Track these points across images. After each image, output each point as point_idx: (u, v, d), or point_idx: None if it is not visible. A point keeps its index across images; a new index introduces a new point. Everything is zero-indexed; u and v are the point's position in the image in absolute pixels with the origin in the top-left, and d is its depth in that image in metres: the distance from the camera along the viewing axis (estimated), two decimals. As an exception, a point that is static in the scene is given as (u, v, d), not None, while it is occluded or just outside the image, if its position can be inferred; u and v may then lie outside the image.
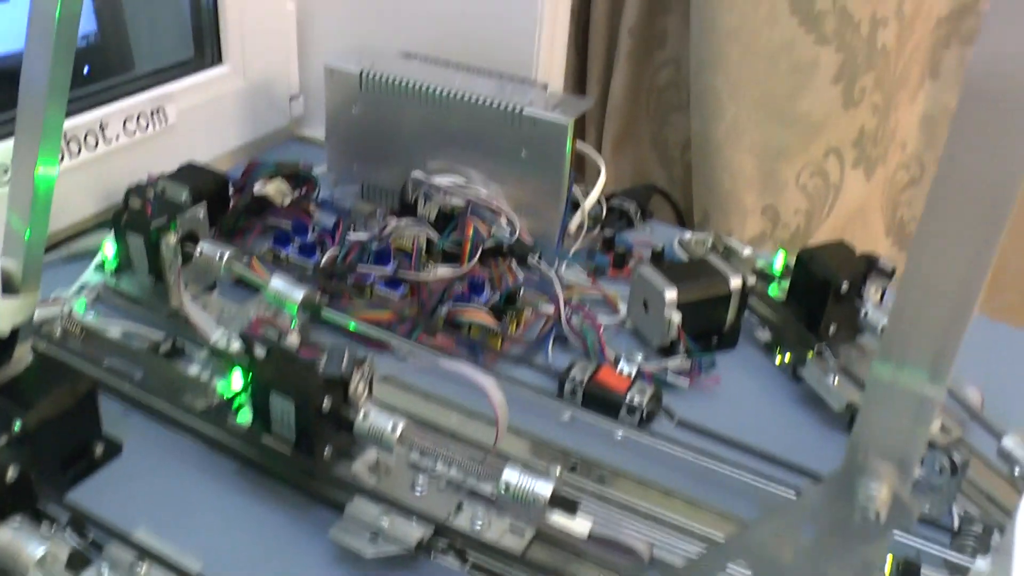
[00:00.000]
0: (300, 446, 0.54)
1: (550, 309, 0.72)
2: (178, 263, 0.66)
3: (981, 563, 0.50)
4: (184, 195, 0.74)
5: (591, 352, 0.69)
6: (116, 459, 0.57)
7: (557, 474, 0.53)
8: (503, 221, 0.79)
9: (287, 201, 0.81)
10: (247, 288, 0.69)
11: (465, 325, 0.69)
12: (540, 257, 0.76)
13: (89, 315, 0.67)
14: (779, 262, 0.79)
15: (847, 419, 0.64)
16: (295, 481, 0.55)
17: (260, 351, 0.56)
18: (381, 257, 0.73)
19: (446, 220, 0.78)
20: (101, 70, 0.84)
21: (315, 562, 0.52)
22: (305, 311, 0.65)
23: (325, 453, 0.53)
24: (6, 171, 0.61)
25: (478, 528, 0.52)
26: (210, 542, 0.51)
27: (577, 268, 0.79)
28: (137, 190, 0.73)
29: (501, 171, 0.80)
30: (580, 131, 0.76)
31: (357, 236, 0.77)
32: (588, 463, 0.58)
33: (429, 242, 0.76)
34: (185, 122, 0.87)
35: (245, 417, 0.57)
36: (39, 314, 0.60)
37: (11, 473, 0.48)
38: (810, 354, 0.68)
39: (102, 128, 0.78)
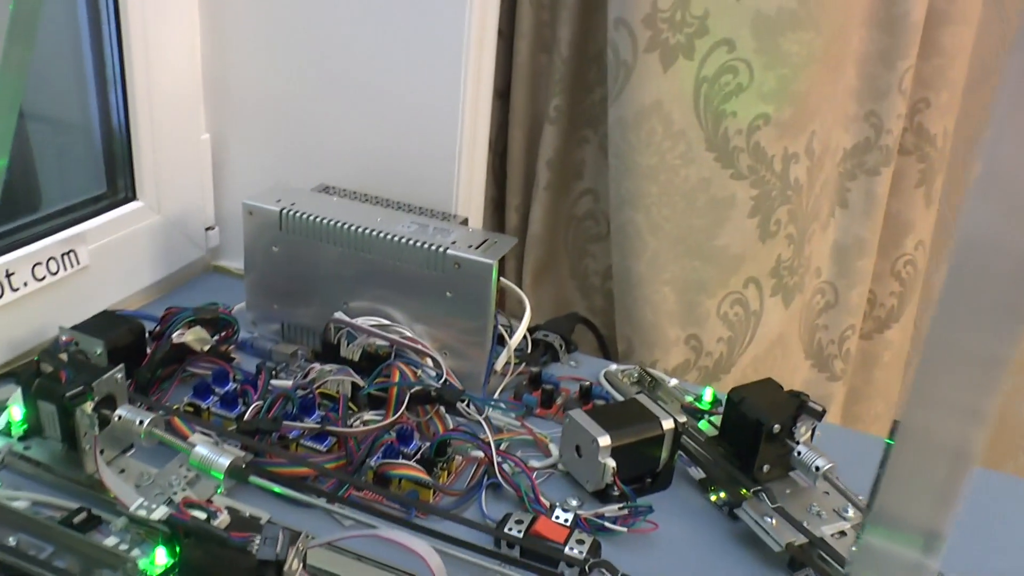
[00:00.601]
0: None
1: (480, 454, 0.70)
2: (95, 432, 0.62)
3: None
4: (99, 349, 0.71)
5: (525, 500, 0.67)
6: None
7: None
8: (429, 362, 0.77)
9: (206, 348, 0.78)
10: (167, 448, 0.64)
11: (395, 479, 0.66)
12: (469, 403, 0.75)
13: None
14: (708, 395, 0.80)
15: (786, 559, 0.65)
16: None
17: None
18: (305, 406, 0.71)
19: (371, 361, 0.77)
20: (8, 211, 0.80)
21: None
22: (231, 478, 0.61)
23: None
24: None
25: None
26: None
27: (505, 409, 0.78)
28: (49, 353, 0.68)
29: (425, 311, 0.79)
30: (500, 262, 0.75)
31: (280, 383, 0.74)
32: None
33: (355, 386, 0.74)
34: (98, 262, 0.83)
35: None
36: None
37: None
38: (745, 492, 0.68)
39: (8, 276, 0.75)
